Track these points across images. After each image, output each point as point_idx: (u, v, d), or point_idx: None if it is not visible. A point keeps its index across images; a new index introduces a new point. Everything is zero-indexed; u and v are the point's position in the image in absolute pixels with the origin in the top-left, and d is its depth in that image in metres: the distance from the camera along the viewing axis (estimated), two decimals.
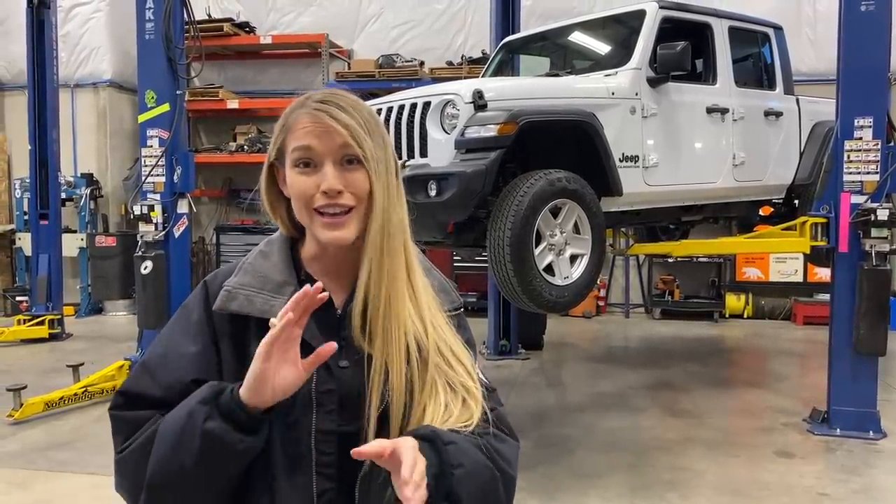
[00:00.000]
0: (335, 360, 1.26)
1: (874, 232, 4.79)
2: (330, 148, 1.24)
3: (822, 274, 8.24)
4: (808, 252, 5.52)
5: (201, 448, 1.14)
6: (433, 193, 4.08)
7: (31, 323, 8.17)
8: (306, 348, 1.22)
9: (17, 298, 9.71)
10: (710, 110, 5.38)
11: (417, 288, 1.32)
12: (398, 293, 1.28)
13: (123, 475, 1.23)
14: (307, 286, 1.13)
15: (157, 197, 5.79)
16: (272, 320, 1.15)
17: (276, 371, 1.13)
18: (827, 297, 6.12)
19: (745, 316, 9.68)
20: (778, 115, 5.94)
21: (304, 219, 1.28)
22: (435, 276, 1.39)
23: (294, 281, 1.29)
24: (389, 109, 4.57)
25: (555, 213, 4.21)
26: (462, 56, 10.09)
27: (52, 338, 8.19)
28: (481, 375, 1.36)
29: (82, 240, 9.90)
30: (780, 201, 6.33)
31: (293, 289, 1.26)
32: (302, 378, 1.16)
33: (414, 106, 4.44)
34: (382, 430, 1.24)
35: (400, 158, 4.38)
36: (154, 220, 5.73)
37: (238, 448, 1.15)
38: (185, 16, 5.94)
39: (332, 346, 1.14)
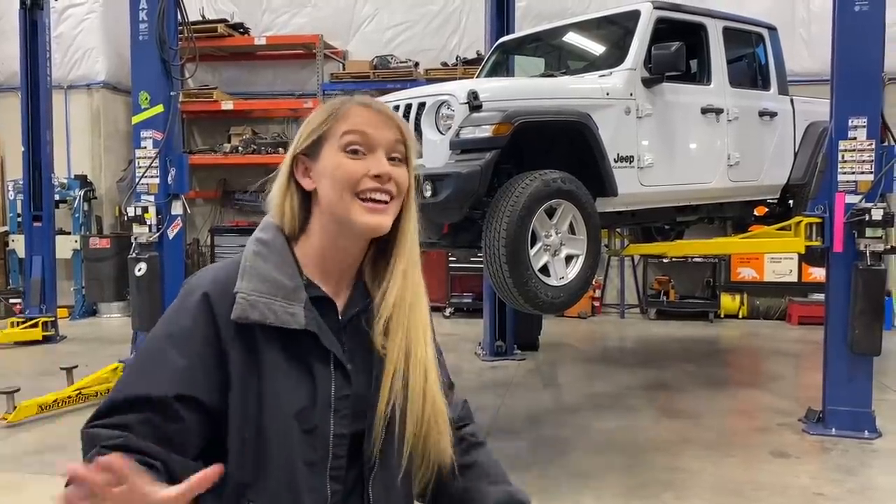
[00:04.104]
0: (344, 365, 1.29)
1: (869, 232, 4.79)
2: (385, 139, 1.29)
3: (817, 274, 8.26)
4: (802, 252, 5.52)
5: None
6: (428, 194, 4.07)
7: (24, 325, 8.13)
8: (320, 355, 1.26)
9: (11, 301, 9.67)
10: (704, 111, 5.38)
11: (423, 298, 1.37)
12: (420, 300, 1.34)
13: None
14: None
15: (152, 198, 5.76)
16: None
17: None
18: (822, 297, 6.12)
19: (741, 316, 9.69)
20: (772, 115, 5.95)
21: (342, 204, 1.27)
22: None
23: (302, 285, 1.27)
24: None
25: (550, 213, 4.20)
26: (457, 57, 10.08)
27: (46, 340, 8.14)
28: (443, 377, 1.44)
29: (76, 242, 9.86)
30: (775, 201, 6.33)
31: (305, 294, 1.27)
32: None
33: (409, 107, 4.43)
34: (388, 433, 1.30)
35: None
36: (148, 222, 5.70)
37: None
38: (179, 17, 5.92)
39: (215, 473, 1.07)
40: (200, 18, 10.05)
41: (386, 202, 1.29)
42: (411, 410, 1.30)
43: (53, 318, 8.31)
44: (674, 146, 5.19)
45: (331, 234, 1.30)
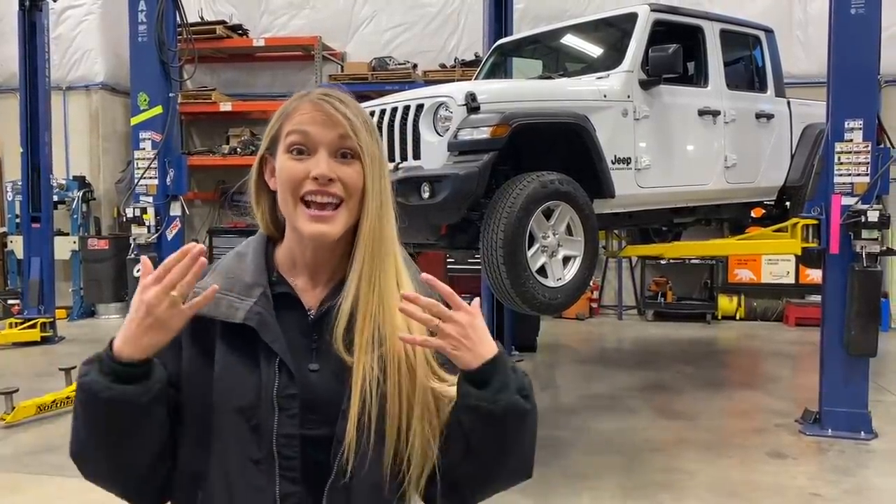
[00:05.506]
0: (303, 364, 1.25)
1: (865, 233, 4.81)
2: (328, 137, 1.24)
3: (814, 275, 8.28)
4: (799, 253, 5.55)
5: (80, 401, 1.19)
6: (426, 195, 4.08)
7: (23, 326, 8.13)
8: (267, 352, 1.23)
9: (9, 301, 9.66)
10: (701, 113, 5.40)
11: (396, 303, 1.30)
12: (390, 299, 1.26)
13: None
14: (191, 245, 1.15)
15: (150, 200, 5.78)
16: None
17: (150, 326, 1.16)
18: (818, 298, 6.15)
19: (738, 317, 9.71)
20: (769, 117, 5.97)
21: (289, 208, 1.25)
22: (423, 286, 1.36)
23: (265, 282, 1.27)
24: (382, 112, 4.58)
25: (547, 214, 4.22)
26: (455, 59, 10.10)
27: (45, 341, 8.15)
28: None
29: (74, 243, 9.86)
30: (772, 203, 6.36)
31: (262, 290, 1.26)
32: (174, 331, 1.17)
33: (407, 108, 4.44)
34: (362, 437, 1.21)
35: (392, 161, 4.39)
36: (147, 223, 5.72)
37: (102, 396, 1.15)
38: (178, 18, 5.93)
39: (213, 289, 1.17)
40: (199, 20, 10.07)
41: (332, 207, 1.24)
42: (389, 424, 1.23)
43: (52, 319, 8.32)
44: (671, 148, 5.21)
45: (296, 234, 1.29)
